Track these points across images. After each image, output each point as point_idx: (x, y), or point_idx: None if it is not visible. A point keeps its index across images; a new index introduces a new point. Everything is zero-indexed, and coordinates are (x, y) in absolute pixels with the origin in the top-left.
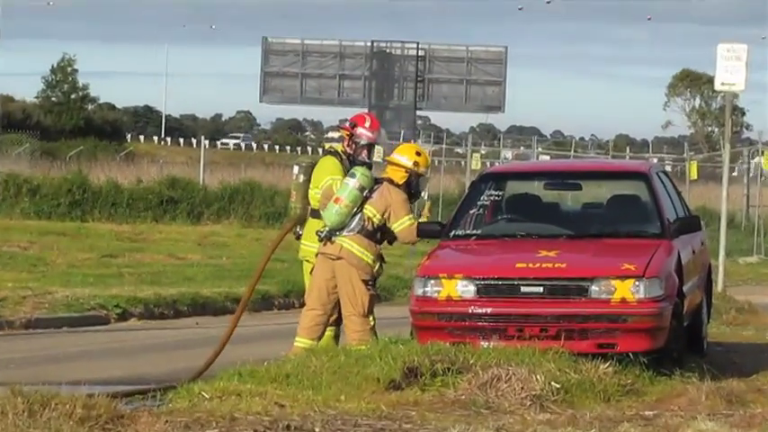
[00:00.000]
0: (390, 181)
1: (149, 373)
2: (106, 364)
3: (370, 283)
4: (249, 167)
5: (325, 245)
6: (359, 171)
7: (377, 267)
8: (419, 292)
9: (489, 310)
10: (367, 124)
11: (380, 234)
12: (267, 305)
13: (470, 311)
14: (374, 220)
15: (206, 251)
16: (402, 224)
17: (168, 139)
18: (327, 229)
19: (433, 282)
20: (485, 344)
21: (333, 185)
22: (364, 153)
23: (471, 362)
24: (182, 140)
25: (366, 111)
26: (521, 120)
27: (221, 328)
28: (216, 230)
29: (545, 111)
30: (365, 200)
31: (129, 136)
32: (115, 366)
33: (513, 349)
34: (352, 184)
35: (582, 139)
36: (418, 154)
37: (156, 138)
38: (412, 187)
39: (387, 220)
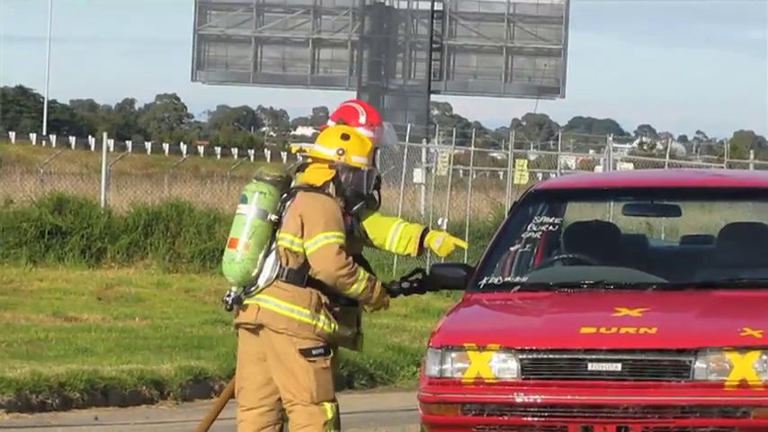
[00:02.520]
0: (308, 187)
1: None
2: None
3: (316, 350)
4: (176, 181)
5: (237, 314)
6: (250, 190)
7: (321, 323)
8: (434, 370)
9: (540, 399)
10: (362, 118)
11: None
12: (203, 390)
13: (511, 400)
14: (294, 250)
15: (110, 308)
16: (315, 244)
17: (52, 137)
18: (233, 289)
19: (454, 355)
20: None
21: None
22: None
23: None
24: (73, 140)
25: (354, 99)
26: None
27: (132, 426)
28: (125, 277)
29: (625, 96)
30: (276, 227)
31: None
32: None
33: None
34: (246, 211)
35: (683, 138)
36: (345, 137)
37: (33, 136)
38: (352, 191)
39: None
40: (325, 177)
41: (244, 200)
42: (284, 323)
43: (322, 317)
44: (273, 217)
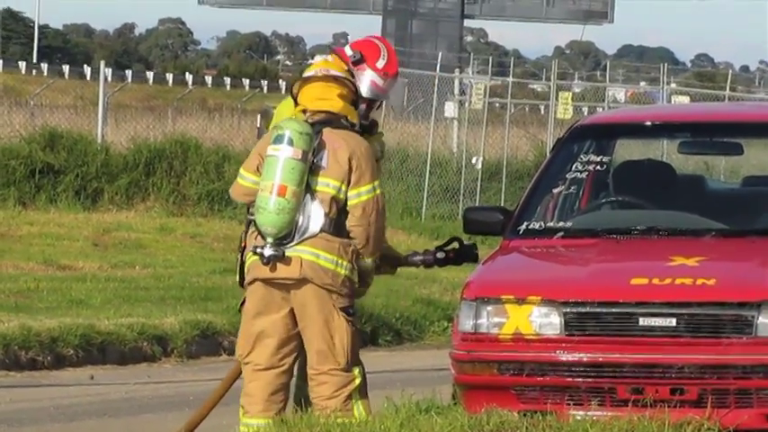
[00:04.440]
0: (335, 120)
1: None
2: None
3: (352, 309)
4: (181, 115)
5: (273, 268)
6: (290, 126)
7: (356, 279)
8: (467, 325)
9: (585, 358)
10: (380, 62)
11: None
12: (210, 347)
13: (554, 358)
14: (339, 198)
15: (107, 256)
16: (368, 194)
17: (44, 66)
18: (271, 239)
19: (490, 309)
20: (579, 414)
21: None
22: (362, 107)
23: None
24: (66, 69)
25: (382, 38)
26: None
27: (131, 387)
28: (124, 221)
29: (680, 22)
30: (311, 171)
31: None
32: None
33: (626, 423)
34: (291, 153)
35: (745, 69)
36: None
37: (22, 64)
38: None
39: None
40: (339, 105)
41: (287, 141)
42: (329, 278)
43: (356, 272)
44: (311, 158)
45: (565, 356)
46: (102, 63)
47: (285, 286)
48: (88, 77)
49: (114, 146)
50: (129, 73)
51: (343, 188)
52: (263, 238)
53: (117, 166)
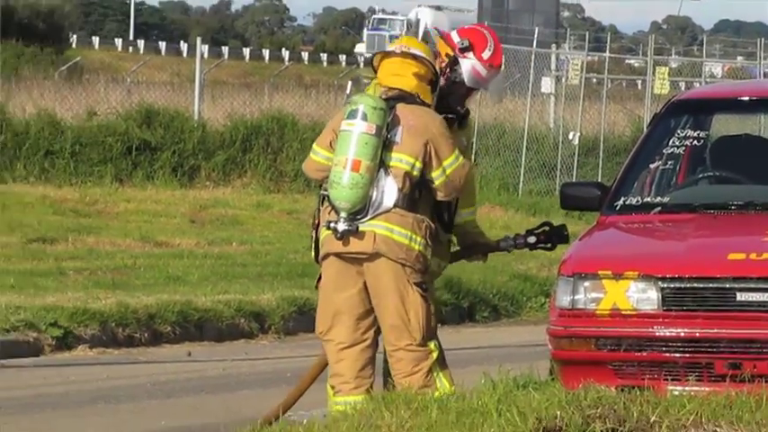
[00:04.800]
0: (409, 97)
1: None
2: (35, 422)
3: (426, 285)
4: (277, 91)
5: (346, 243)
6: (363, 101)
7: (430, 255)
8: (565, 301)
9: (684, 333)
10: (486, 53)
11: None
12: (307, 323)
13: (651, 334)
14: (413, 175)
15: (204, 232)
16: (449, 166)
17: (140, 42)
18: (345, 214)
19: (587, 284)
20: (676, 389)
21: (467, 163)
22: (460, 93)
23: (653, 419)
24: (162, 45)
25: (490, 29)
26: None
27: (228, 363)
28: (221, 197)
29: None
30: (384, 147)
31: (75, 38)
32: (51, 426)
33: (723, 398)
34: (368, 129)
35: None
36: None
37: (119, 41)
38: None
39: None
40: (432, 82)
41: (361, 116)
42: (403, 252)
43: (430, 248)
44: (385, 133)
45: (662, 332)
46: (199, 40)
47: (359, 260)
48: (185, 54)
49: (211, 122)
50: (225, 49)
51: (417, 165)
52: (337, 212)
53: (214, 142)
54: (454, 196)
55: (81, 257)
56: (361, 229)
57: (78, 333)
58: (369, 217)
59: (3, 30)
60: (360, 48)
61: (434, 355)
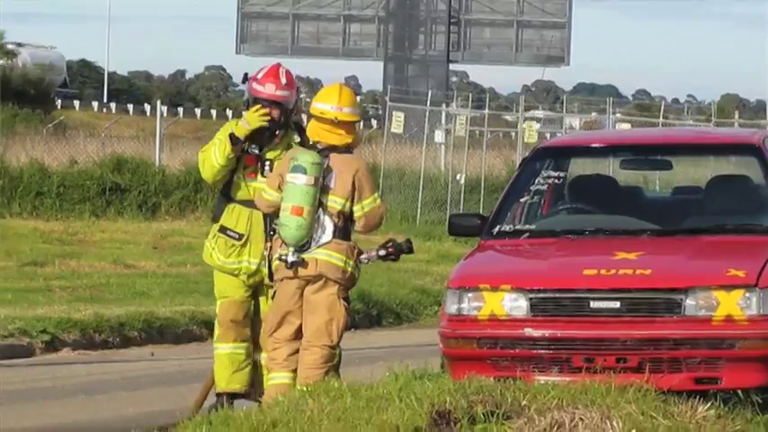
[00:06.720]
0: (332, 149)
1: (88, 423)
2: (28, 410)
3: (349, 299)
4: None
5: (295, 271)
6: (304, 159)
7: (357, 273)
8: (452, 309)
9: (547, 333)
10: (260, 75)
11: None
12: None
13: (522, 335)
14: (345, 211)
15: (164, 257)
16: (367, 205)
17: (112, 105)
18: (292, 249)
19: (470, 295)
20: (542, 379)
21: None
22: (274, 113)
23: (523, 403)
24: (131, 107)
25: (277, 63)
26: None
27: (184, 361)
28: (178, 228)
29: (624, 64)
30: (322, 191)
31: (60, 102)
32: (41, 414)
33: (580, 386)
34: (308, 181)
35: (675, 101)
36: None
37: (95, 104)
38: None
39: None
40: (351, 135)
41: (301, 170)
42: (339, 273)
43: (358, 269)
44: (323, 181)
45: (530, 333)
46: (159, 102)
47: (304, 280)
48: (148, 114)
49: (169, 168)
50: (180, 110)
51: (347, 204)
52: (287, 245)
53: (171, 184)
54: (371, 230)
55: (65, 277)
56: (306, 258)
57: (63, 338)
58: (312, 248)
59: (2, 95)
60: None
61: (336, 360)
